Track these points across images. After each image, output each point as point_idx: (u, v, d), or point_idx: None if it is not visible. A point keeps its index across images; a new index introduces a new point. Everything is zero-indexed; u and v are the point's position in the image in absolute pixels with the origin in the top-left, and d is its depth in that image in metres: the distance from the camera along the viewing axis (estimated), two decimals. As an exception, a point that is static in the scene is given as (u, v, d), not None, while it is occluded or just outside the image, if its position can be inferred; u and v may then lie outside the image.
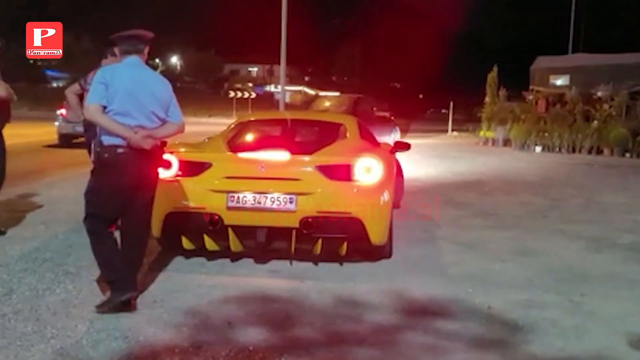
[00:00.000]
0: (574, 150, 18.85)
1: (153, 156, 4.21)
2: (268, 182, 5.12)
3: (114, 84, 4.05)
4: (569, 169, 14.64)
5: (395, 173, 6.41)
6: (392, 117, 19.34)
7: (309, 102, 22.38)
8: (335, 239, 5.18)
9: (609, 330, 4.08)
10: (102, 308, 4.07)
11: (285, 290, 4.69)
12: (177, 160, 5.29)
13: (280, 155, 5.32)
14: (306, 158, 5.35)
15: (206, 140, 6.73)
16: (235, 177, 5.21)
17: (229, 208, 5.07)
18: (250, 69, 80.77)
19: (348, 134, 6.32)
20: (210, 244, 5.23)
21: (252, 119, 7.49)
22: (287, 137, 6.46)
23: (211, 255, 5.39)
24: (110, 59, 5.68)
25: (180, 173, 5.28)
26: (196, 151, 5.71)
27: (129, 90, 4.08)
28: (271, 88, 63.62)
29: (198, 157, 5.43)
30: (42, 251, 5.41)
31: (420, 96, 71.47)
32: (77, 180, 6.74)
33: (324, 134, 6.47)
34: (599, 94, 19.74)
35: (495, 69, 22.26)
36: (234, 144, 6.00)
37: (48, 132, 13.60)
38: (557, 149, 19.11)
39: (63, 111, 14.77)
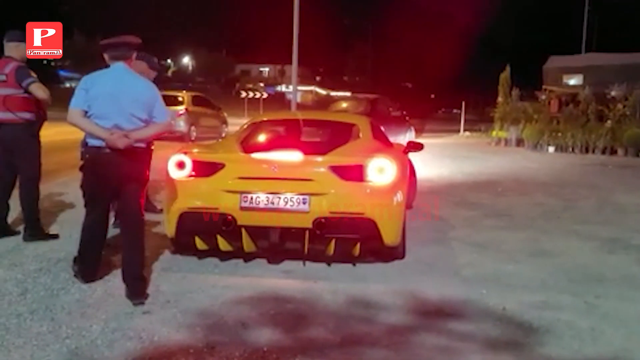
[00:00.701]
0: (587, 151, 18.73)
1: (134, 155, 4.43)
2: (281, 183, 5.12)
3: (94, 90, 4.38)
4: (582, 169, 14.55)
5: (408, 173, 6.40)
6: (407, 117, 19.45)
7: (324, 103, 22.59)
8: (348, 239, 5.17)
9: (625, 332, 4.05)
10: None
11: (298, 290, 4.69)
12: (191, 160, 5.31)
13: (293, 156, 5.32)
14: (319, 158, 5.35)
15: (219, 140, 6.74)
16: (249, 178, 5.21)
17: (242, 208, 5.08)
18: (261, 69, 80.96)
19: (361, 134, 6.31)
20: (223, 244, 5.24)
21: (265, 119, 7.49)
22: (300, 137, 6.46)
23: (224, 256, 5.40)
24: (135, 62, 5.86)
25: (193, 173, 5.30)
26: (209, 152, 5.73)
27: (109, 94, 4.36)
28: (282, 88, 63.73)
29: (211, 158, 5.45)
30: (57, 251, 5.44)
31: (432, 96, 71.33)
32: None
33: (337, 134, 6.46)
34: (613, 93, 19.61)
35: (507, 68, 22.15)
36: (247, 145, 6.01)
37: (60, 132, 13.64)
38: (570, 149, 18.99)
39: None
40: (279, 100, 48.73)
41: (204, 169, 5.29)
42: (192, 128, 19.32)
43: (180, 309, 4.21)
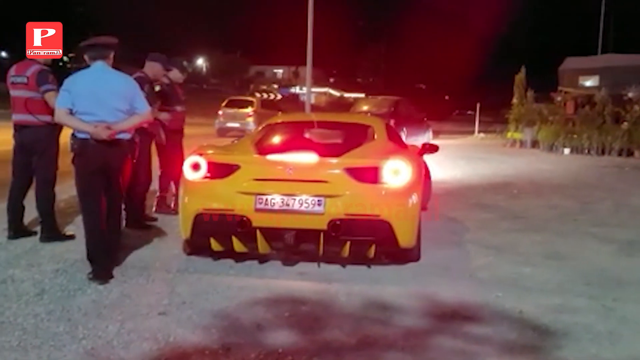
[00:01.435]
0: (603, 152, 18.57)
1: (118, 145, 4.88)
2: (296, 185, 5.12)
3: (75, 89, 4.83)
4: (598, 171, 14.42)
5: (423, 175, 6.37)
6: (426, 119, 19.91)
7: (338, 104, 24.00)
8: (363, 241, 5.16)
9: (644, 336, 4.01)
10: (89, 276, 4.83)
11: (313, 292, 4.68)
12: (206, 162, 5.32)
13: (308, 158, 5.32)
14: (334, 160, 5.34)
15: (234, 142, 6.76)
16: (264, 179, 5.21)
17: (257, 210, 5.08)
18: (275, 70, 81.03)
19: (376, 136, 6.29)
20: (238, 245, 5.24)
21: (280, 121, 7.49)
22: (314, 139, 6.46)
23: (239, 257, 5.40)
24: (150, 64, 6.83)
25: (209, 175, 5.31)
26: (225, 153, 5.73)
27: (90, 92, 4.82)
28: (296, 89, 63.74)
29: (226, 159, 5.45)
30: (73, 251, 5.47)
31: (446, 97, 71.05)
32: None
33: (352, 136, 6.44)
34: (630, 94, 19.41)
35: (523, 69, 22.04)
36: (262, 146, 6.01)
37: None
38: (586, 151, 18.84)
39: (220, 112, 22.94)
40: (293, 102, 48.70)
41: (220, 171, 5.30)
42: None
43: (195, 310, 4.22)
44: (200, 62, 73.28)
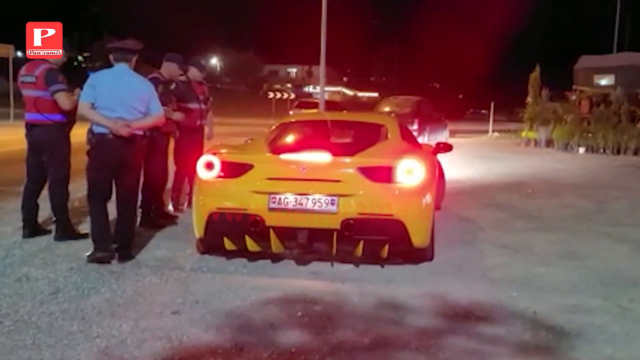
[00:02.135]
0: (618, 152, 18.40)
1: (133, 141, 5.26)
2: (309, 184, 5.11)
3: (98, 86, 5.22)
4: (613, 170, 14.31)
5: (437, 174, 6.34)
6: (443, 118, 20.94)
7: (352, 103, 24.68)
8: (376, 241, 5.15)
9: (660, 337, 3.97)
10: (89, 258, 5.22)
11: (326, 292, 4.68)
12: (220, 161, 5.33)
13: (322, 157, 5.31)
14: (347, 160, 5.33)
15: (248, 141, 6.76)
16: (277, 179, 5.21)
17: (271, 209, 5.08)
18: (289, 69, 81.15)
19: (389, 135, 6.27)
20: (251, 245, 5.25)
21: (293, 120, 7.48)
22: (328, 138, 6.44)
23: (253, 256, 5.41)
24: (166, 64, 7.00)
25: (222, 174, 5.32)
26: (238, 152, 5.73)
27: (112, 90, 5.22)
28: (310, 89, 63.77)
29: (240, 159, 5.46)
30: (87, 250, 5.47)
31: (460, 96, 70.83)
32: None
33: (365, 135, 6.41)
34: (646, 94, 19.26)
35: (537, 68, 21.87)
36: (276, 146, 6.01)
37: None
38: (602, 150, 18.68)
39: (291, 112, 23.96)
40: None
41: (233, 170, 5.31)
42: None
43: (209, 309, 4.23)
44: (214, 61, 73.45)
